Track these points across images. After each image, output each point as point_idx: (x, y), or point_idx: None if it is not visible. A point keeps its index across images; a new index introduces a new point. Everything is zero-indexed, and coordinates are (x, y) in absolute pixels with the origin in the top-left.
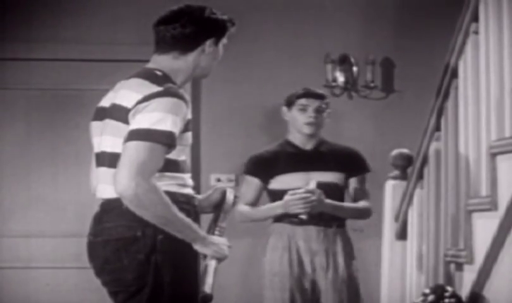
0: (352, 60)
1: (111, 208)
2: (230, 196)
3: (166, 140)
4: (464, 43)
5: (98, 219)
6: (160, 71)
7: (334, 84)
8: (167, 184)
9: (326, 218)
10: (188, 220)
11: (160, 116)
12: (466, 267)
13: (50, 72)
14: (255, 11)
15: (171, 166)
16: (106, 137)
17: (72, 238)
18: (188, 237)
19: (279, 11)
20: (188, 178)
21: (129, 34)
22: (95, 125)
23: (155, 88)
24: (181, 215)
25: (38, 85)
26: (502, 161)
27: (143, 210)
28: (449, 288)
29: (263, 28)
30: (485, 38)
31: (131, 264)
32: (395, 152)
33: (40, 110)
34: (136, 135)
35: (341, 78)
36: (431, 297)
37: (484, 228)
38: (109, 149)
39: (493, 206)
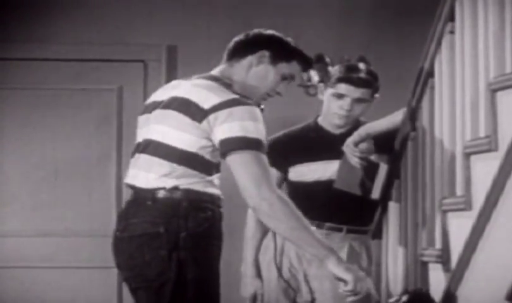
0: (327, 59)
1: (139, 203)
2: None
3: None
4: (439, 43)
5: (124, 215)
6: None
7: (308, 83)
8: (193, 182)
9: None
10: (318, 234)
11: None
12: (442, 267)
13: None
14: (230, 8)
15: (210, 169)
16: (155, 126)
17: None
18: (320, 253)
19: (252, 9)
20: (216, 178)
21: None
22: (142, 119)
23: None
24: (311, 228)
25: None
26: (477, 161)
27: (277, 222)
28: (423, 289)
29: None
30: (460, 38)
31: (153, 259)
32: None
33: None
34: (247, 143)
35: (315, 77)
36: (405, 298)
37: (459, 227)
38: (156, 137)
39: (467, 205)
